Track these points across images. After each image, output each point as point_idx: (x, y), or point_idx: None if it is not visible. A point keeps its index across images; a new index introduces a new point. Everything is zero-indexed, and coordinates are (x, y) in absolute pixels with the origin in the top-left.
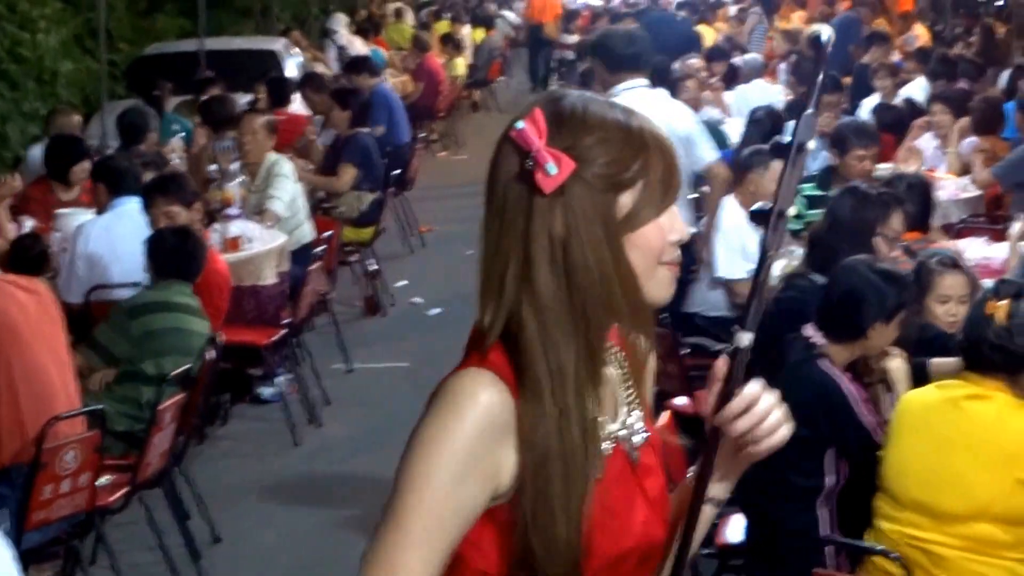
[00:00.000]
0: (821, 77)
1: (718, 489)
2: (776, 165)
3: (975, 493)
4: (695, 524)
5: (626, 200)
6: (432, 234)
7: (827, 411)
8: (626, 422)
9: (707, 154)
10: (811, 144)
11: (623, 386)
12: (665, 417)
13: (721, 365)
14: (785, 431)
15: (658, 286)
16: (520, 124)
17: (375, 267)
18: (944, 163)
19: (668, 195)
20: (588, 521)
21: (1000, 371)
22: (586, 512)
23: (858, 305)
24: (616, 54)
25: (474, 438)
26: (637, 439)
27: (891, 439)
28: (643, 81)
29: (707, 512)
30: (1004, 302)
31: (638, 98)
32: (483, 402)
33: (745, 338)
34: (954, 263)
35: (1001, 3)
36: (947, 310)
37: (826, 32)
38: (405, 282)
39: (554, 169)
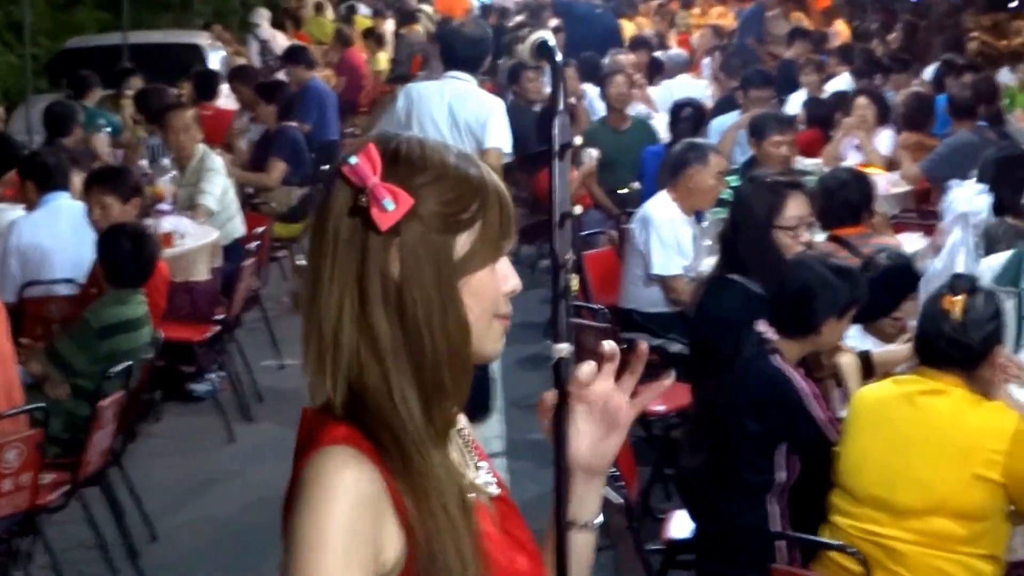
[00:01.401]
0: (559, 82)
1: (586, 512)
2: (714, 159)
3: (932, 488)
4: (565, 556)
5: (463, 241)
6: None
7: (779, 406)
8: (477, 472)
9: (494, 138)
10: (723, 117)
11: (462, 437)
12: None
13: (549, 398)
14: (631, 410)
15: (491, 340)
16: (353, 159)
17: (304, 263)
18: (862, 158)
19: (504, 241)
20: (487, 572)
21: (956, 366)
22: (482, 564)
23: (810, 301)
24: (455, 52)
25: (352, 519)
26: (491, 489)
27: (846, 434)
28: (467, 77)
29: (580, 539)
30: (960, 297)
31: (457, 86)
32: (349, 479)
33: (563, 349)
34: (902, 257)
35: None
36: None
37: (549, 37)
38: None
39: (391, 205)
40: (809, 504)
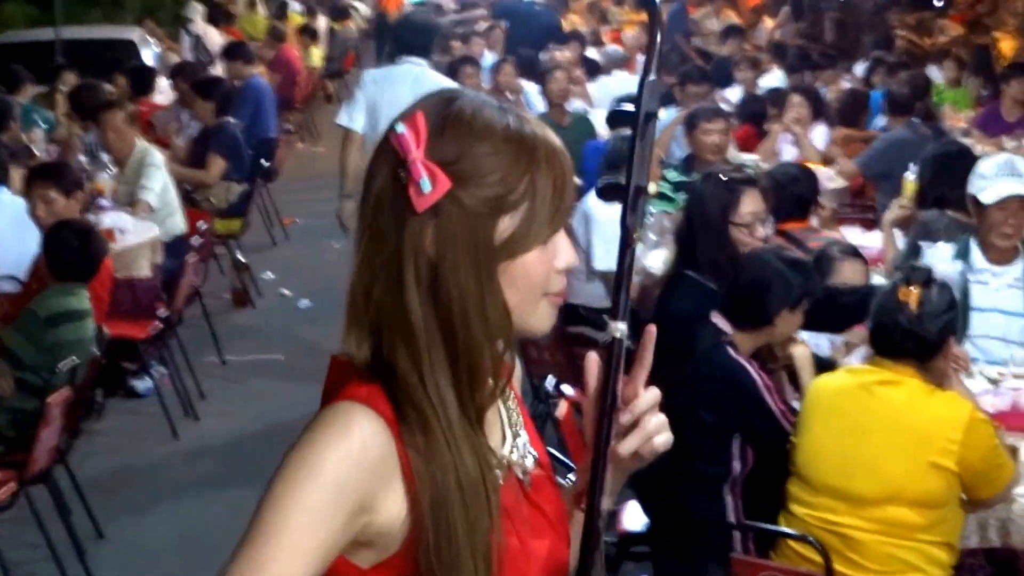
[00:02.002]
0: (659, 42)
1: (605, 503)
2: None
3: (888, 477)
4: (596, 545)
5: (506, 224)
6: (295, 226)
7: (734, 398)
8: (516, 444)
9: None
10: (662, 113)
11: (507, 408)
12: (563, 406)
13: (593, 363)
14: (667, 440)
15: (540, 320)
16: (400, 128)
17: (243, 259)
18: (799, 154)
19: (558, 217)
20: (496, 557)
21: (911, 357)
22: (493, 548)
23: (764, 293)
24: (406, 39)
25: (345, 470)
26: (528, 462)
27: (803, 425)
28: (421, 62)
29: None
30: (915, 289)
31: (418, 74)
32: (356, 436)
33: (619, 328)
34: (854, 251)
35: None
36: None
37: None
38: (271, 274)
39: (428, 186)
40: (766, 494)
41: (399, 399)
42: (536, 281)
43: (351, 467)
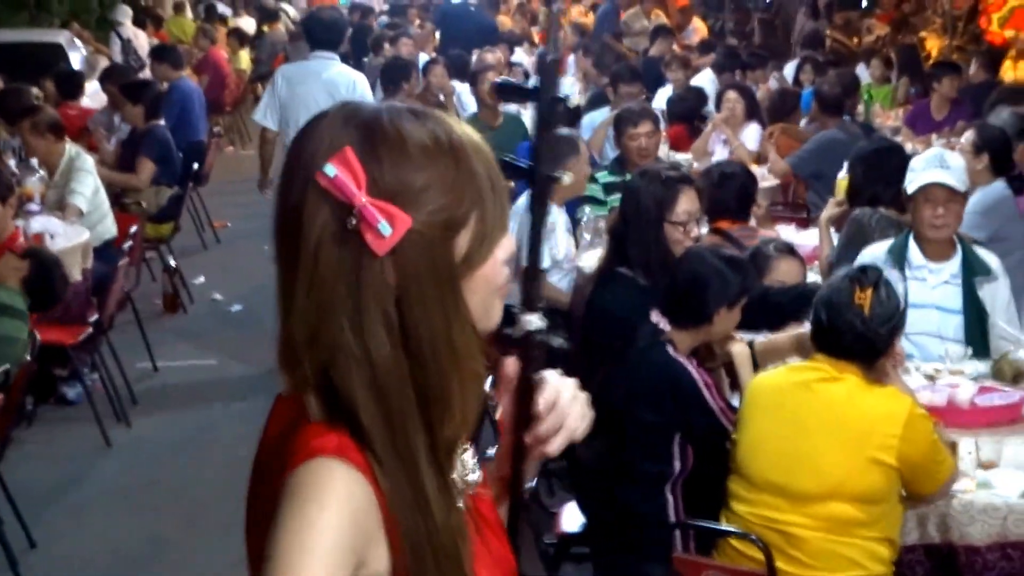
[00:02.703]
0: (557, 19)
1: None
2: (584, 149)
3: (829, 473)
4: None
5: (463, 240)
6: (226, 230)
7: (674, 396)
8: (463, 459)
9: None
10: (594, 113)
11: None
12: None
13: (511, 365)
14: (587, 422)
15: (494, 318)
16: (330, 169)
17: (174, 263)
18: (727, 153)
19: (503, 215)
20: None
21: (857, 357)
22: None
23: (702, 291)
24: (316, 34)
25: (341, 534)
26: (474, 476)
27: (743, 422)
28: (332, 55)
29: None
30: (869, 291)
31: (328, 65)
32: (343, 496)
33: (531, 321)
34: (790, 249)
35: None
36: None
37: None
38: (202, 279)
39: (388, 229)
40: (706, 493)
41: (368, 448)
42: (492, 284)
43: (346, 529)
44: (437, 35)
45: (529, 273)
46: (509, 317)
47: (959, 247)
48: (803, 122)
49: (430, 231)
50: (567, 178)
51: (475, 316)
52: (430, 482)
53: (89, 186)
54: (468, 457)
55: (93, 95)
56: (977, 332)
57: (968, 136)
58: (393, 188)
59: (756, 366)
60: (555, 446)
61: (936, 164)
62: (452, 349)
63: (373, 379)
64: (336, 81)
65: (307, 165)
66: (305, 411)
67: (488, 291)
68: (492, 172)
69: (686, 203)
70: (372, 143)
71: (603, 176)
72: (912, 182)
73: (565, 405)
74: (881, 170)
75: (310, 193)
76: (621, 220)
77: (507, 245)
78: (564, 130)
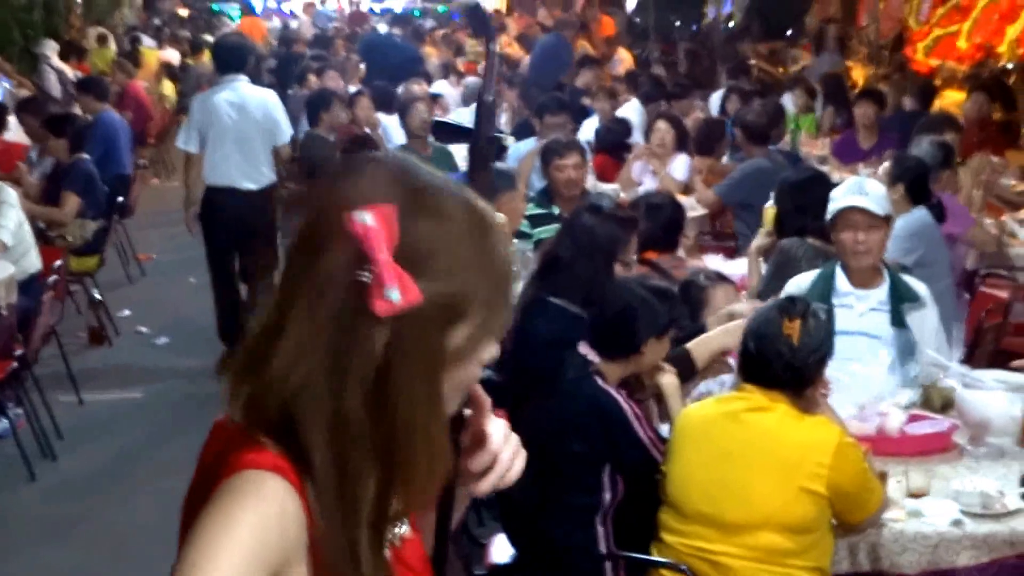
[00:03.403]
0: (495, 55)
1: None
2: (521, 185)
3: (758, 503)
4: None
5: (460, 333)
6: (151, 263)
7: (603, 428)
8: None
9: (285, 135)
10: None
11: None
12: None
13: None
14: (520, 465)
15: (452, 407)
16: (368, 218)
17: (99, 297)
18: (656, 183)
19: (501, 321)
20: None
21: (786, 387)
22: None
23: (631, 322)
24: (225, 59)
25: (261, 535)
26: (400, 530)
27: (672, 453)
28: (240, 77)
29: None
30: (797, 321)
31: (235, 86)
32: (272, 501)
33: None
34: (720, 276)
35: (695, 29)
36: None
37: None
38: (128, 312)
39: (396, 296)
40: (637, 524)
41: (310, 482)
42: (466, 382)
43: (268, 532)
44: (363, 67)
45: None
46: None
47: (886, 274)
48: (725, 157)
49: (433, 312)
50: (500, 218)
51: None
52: (364, 539)
53: (12, 220)
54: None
55: (17, 128)
56: (907, 359)
57: (885, 167)
58: (416, 259)
59: (695, 371)
60: (485, 486)
61: (855, 191)
62: (427, 436)
63: (335, 427)
64: (245, 98)
65: (344, 201)
66: (243, 435)
67: (459, 387)
68: (506, 279)
69: (633, 244)
70: (416, 210)
71: (530, 208)
72: (831, 210)
73: (497, 445)
74: (808, 200)
75: (338, 230)
76: (570, 253)
77: (492, 350)
78: (501, 164)
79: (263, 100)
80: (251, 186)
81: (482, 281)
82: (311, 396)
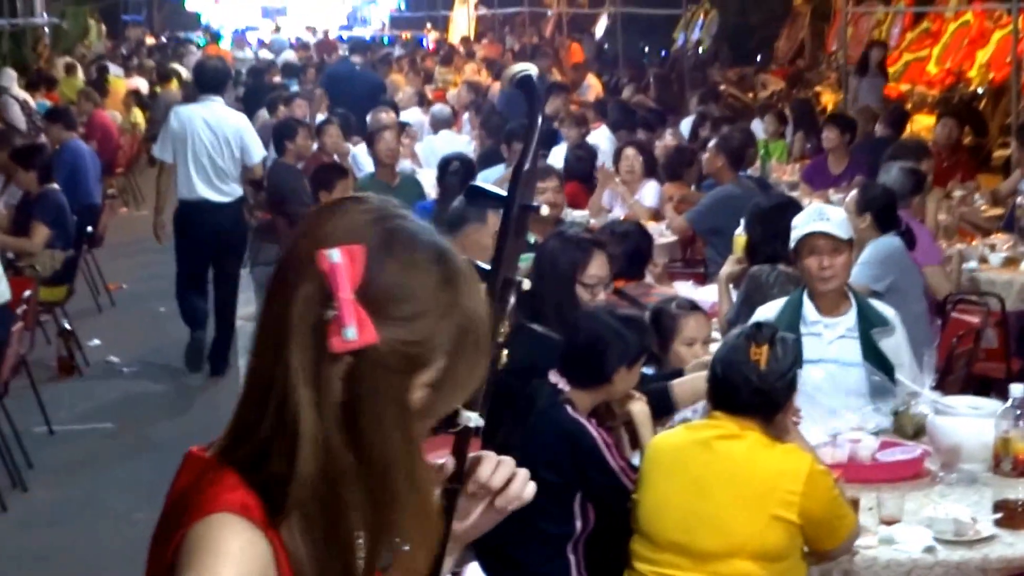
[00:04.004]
0: (539, 128)
1: (445, 568)
2: (493, 218)
3: (731, 531)
4: None
5: (423, 380)
6: (121, 292)
7: (574, 457)
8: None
9: (255, 155)
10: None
11: None
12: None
13: (448, 467)
14: (531, 490)
15: None
16: (335, 255)
17: (69, 326)
18: (626, 210)
19: (473, 378)
20: None
21: (755, 413)
22: None
23: (602, 351)
24: (204, 80)
25: None
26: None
27: (643, 482)
28: (218, 98)
29: None
30: (763, 347)
31: (211, 105)
32: (238, 549)
33: (471, 418)
34: (692, 304)
35: (664, 55)
36: (693, 352)
37: (533, 70)
38: (98, 341)
39: (352, 335)
40: (609, 552)
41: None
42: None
43: None
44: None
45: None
46: None
47: (853, 301)
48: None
49: (393, 356)
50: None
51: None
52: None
53: None
54: None
55: None
56: (880, 385)
57: (852, 195)
58: (379, 301)
59: (674, 409)
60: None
61: (816, 217)
62: (410, 477)
63: (322, 460)
64: (219, 117)
65: (319, 238)
66: (215, 468)
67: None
68: (475, 331)
69: (596, 267)
70: (385, 254)
71: None
72: (794, 238)
73: (501, 475)
74: (778, 227)
75: (309, 265)
76: (535, 275)
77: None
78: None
79: (235, 122)
80: (222, 199)
81: (447, 331)
82: (298, 430)
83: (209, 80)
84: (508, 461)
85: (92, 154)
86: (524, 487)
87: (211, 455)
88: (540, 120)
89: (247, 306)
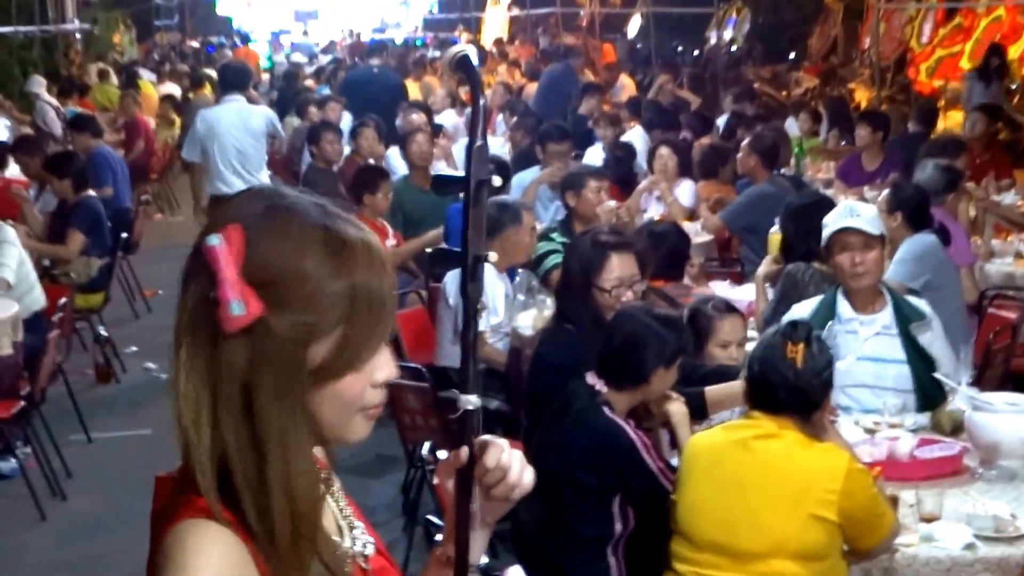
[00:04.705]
0: (481, 107)
1: (474, 555)
2: (527, 217)
3: (770, 530)
4: None
5: (318, 351)
6: (157, 298)
7: (612, 459)
8: (353, 535)
9: (281, 132)
10: (524, 173)
11: (336, 501)
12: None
13: (461, 458)
14: (529, 478)
15: (353, 434)
16: (214, 240)
17: (105, 333)
18: (664, 209)
19: (374, 341)
20: None
21: (793, 412)
22: None
23: (639, 352)
24: (228, 79)
25: None
26: (368, 550)
27: (682, 482)
28: (240, 96)
29: None
30: (800, 346)
31: (235, 104)
32: (212, 552)
33: (470, 401)
34: (729, 306)
35: (697, 54)
36: (728, 354)
37: (471, 50)
38: (135, 348)
39: (240, 310)
40: (649, 554)
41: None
42: (349, 401)
43: None
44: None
45: (464, 354)
46: (447, 380)
47: (888, 297)
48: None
49: (283, 331)
50: (493, 256)
51: (326, 426)
52: (309, 555)
53: (13, 258)
54: (358, 533)
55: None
56: (926, 381)
57: (884, 195)
58: (262, 279)
59: (706, 415)
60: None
61: (847, 214)
62: (283, 447)
63: (232, 452)
64: (243, 114)
65: (208, 227)
66: (181, 482)
67: (343, 407)
68: (377, 291)
69: (616, 269)
70: (264, 229)
71: (558, 236)
72: (825, 236)
73: (506, 459)
74: (812, 225)
75: (195, 260)
76: (561, 280)
77: (384, 368)
78: (505, 198)
79: (259, 113)
80: None
81: (337, 300)
82: (207, 429)
83: (231, 80)
84: (506, 444)
85: (119, 159)
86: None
87: (176, 474)
88: (481, 99)
89: None
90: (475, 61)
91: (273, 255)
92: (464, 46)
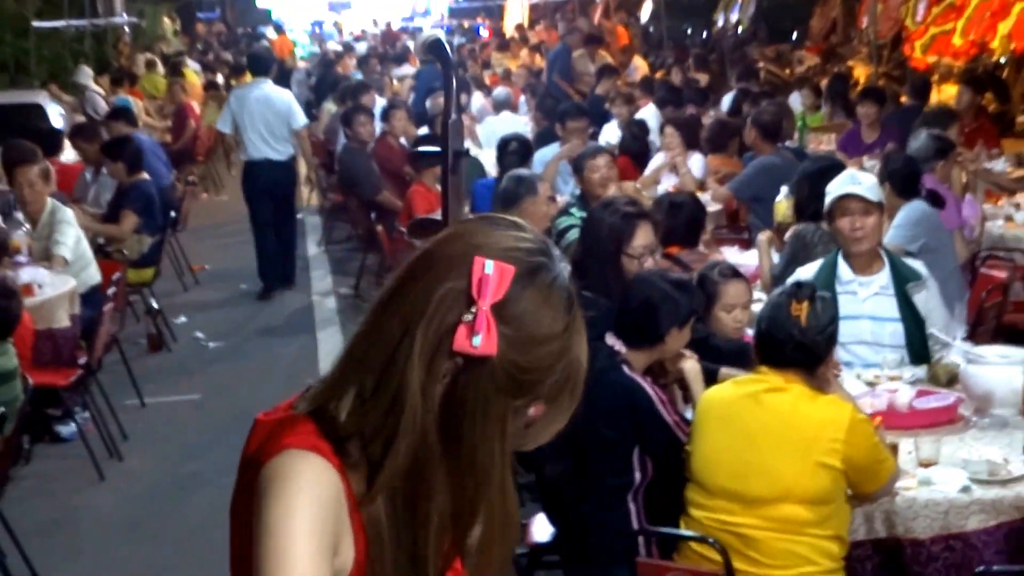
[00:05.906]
0: (453, 86)
1: None
2: (543, 188)
3: (780, 478)
4: None
5: (520, 405)
6: (204, 272)
7: (632, 414)
8: None
9: (299, 120)
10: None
11: None
12: None
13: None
14: None
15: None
16: (490, 267)
17: (156, 306)
18: (676, 181)
19: (559, 418)
20: None
21: (799, 367)
22: None
23: (654, 313)
24: (254, 65)
25: (316, 511)
26: None
27: (696, 434)
28: (266, 79)
29: None
30: (804, 303)
31: (262, 86)
32: (314, 477)
33: None
34: (734, 272)
35: (705, 35)
36: (734, 317)
37: (441, 34)
38: (184, 318)
39: (479, 342)
40: (666, 501)
41: (369, 480)
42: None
43: (323, 511)
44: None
45: None
46: None
47: (886, 260)
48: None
49: (502, 374)
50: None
51: None
52: (432, 549)
53: (71, 236)
54: None
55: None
56: (916, 338)
57: (876, 166)
58: (508, 324)
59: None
60: None
61: (848, 182)
62: (502, 486)
63: (417, 439)
64: (268, 94)
65: (478, 245)
66: (287, 423)
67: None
68: (575, 381)
69: (642, 237)
70: (528, 283)
71: (576, 211)
72: (828, 202)
73: None
74: (823, 187)
75: (462, 265)
76: (583, 250)
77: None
78: (522, 171)
79: (280, 96)
80: (277, 157)
81: (556, 372)
82: (403, 408)
83: (258, 64)
84: None
85: (152, 142)
86: None
87: (288, 412)
88: (452, 78)
89: (323, 280)
90: (446, 46)
91: (526, 309)
92: (435, 31)
